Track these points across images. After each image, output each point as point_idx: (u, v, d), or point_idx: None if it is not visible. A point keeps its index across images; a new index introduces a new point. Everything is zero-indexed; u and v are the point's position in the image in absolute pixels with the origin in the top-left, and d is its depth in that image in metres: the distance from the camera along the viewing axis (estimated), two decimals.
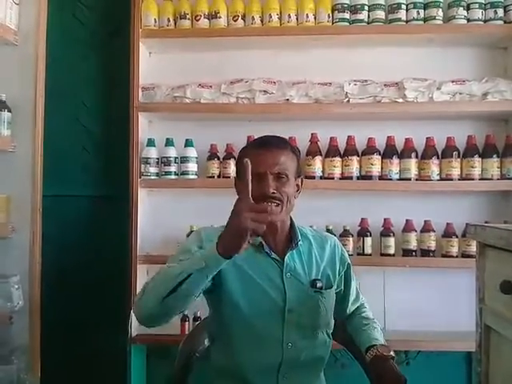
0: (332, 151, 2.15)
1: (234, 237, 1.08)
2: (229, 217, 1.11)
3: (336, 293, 1.45)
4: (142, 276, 2.21)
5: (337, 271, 1.45)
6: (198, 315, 2.10)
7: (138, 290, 2.08)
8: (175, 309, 1.22)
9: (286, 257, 1.37)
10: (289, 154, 1.37)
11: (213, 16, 2.16)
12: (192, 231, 2.16)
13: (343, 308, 1.50)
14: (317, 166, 2.13)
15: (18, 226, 1.97)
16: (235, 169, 1.50)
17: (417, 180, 2.12)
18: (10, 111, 1.93)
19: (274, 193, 1.31)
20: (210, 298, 1.38)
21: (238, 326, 1.32)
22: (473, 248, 2.02)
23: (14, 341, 1.93)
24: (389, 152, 2.13)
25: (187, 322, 2.12)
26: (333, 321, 1.43)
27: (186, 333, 2.07)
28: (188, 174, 2.18)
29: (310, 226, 2.07)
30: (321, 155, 2.16)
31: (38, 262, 1.99)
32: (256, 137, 2.12)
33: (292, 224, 1.43)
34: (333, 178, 2.12)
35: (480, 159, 2.10)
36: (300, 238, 1.41)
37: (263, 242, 1.36)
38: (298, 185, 1.41)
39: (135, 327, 2.11)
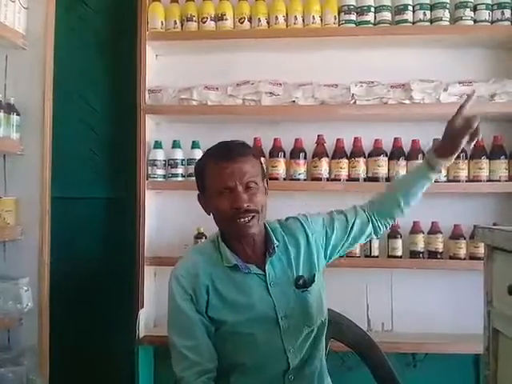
0: (339, 153, 2.15)
1: None
2: None
3: (339, 240, 1.43)
4: (150, 278, 2.22)
5: (319, 246, 1.42)
6: None
7: (146, 291, 2.13)
8: None
9: (267, 266, 1.35)
10: (252, 160, 1.34)
11: (219, 18, 2.16)
12: (200, 233, 2.17)
13: (359, 229, 1.46)
14: (323, 167, 2.13)
15: (26, 228, 1.98)
16: (196, 181, 1.40)
17: None
18: (18, 114, 1.94)
19: (248, 205, 1.29)
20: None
21: (240, 349, 1.32)
22: (480, 250, 2.01)
23: (23, 342, 1.94)
24: (396, 153, 2.13)
25: None
26: (326, 304, 1.42)
27: None
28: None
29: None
30: (327, 157, 2.16)
31: (46, 263, 2.00)
32: (263, 138, 2.18)
33: (267, 230, 1.39)
34: (339, 180, 2.12)
35: (488, 161, 2.09)
36: (275, 241, 1.38)
37: (238, 264, 1.34)
38: (265, 187, 1.38)
39: (142, 328, 2.12)
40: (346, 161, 2.14)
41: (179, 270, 1.38)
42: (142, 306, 2.12)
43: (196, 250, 1.48)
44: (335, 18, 2.13)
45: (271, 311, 1.33)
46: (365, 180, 2.14)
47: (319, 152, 2.15)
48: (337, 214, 1.48)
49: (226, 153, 1.31)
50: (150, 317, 2.23)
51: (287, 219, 1.48)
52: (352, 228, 1.45)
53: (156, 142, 2.22)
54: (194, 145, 2.21)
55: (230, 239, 1.37)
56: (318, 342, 1.40)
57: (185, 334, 1.33)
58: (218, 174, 1.29)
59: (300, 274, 1.38)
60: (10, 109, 1.91)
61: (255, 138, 2.18)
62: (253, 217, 1.30)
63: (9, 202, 1.94)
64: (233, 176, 1.28)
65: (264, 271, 1.35)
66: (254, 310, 1.33)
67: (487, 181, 2.08)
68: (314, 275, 1.40)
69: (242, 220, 1.29)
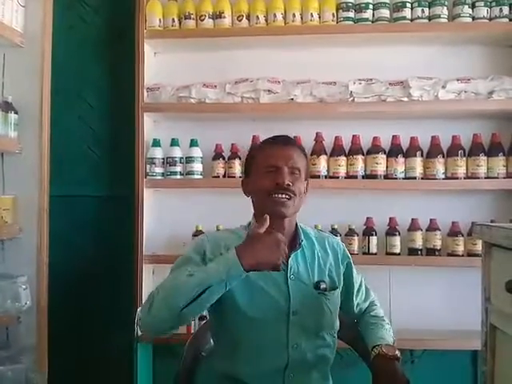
0: (337, 150, 2.15)
1: (272, 254, 1.19)
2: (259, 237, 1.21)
3: (340, 292, 1.45)
4: (148, 275, 2.22)
5: (341, 271, 1.45)
6: (204, 314, 2.10)
7: (144, 289, 2.14)
8: (190, 318, 1.25)
9: (290, 259, 1.36)
10: (300, 153, 1.41)
11: (217, 16, 2.16)
12: (198, 231, 2.17)
13: (349, 306, 1.49)
14: (322, 165, 2.14)
15: (25, 226, 1.98)
16: (243, 168, 1.50)
17: (422, 179, 2.12)
18: (16, 113, 1.94)
19: (288, 184, 1.33)
20: (212, 304, 1.35)
21: (243, 331, 1.32)
22: (478, 247, 2.01)
23: (22, 340, 1.94)
24: (394, 151, 2.13)
25: (193, 321, 2.13)
26: (338, 322, 1.42)
27: (192, 332, 2.08)
28: (193, 174, 2.19)
29: (315, 226, 2.09)
30: (326, 154, 2.16)
31: (45, 262, 2.00)
32: (261, 136, 2.18)
33: (296, 225, 1.43)
34: (338, 177, 2.13)
35: (486, 158, 2.09)
36: (303, 238, 1.41)
37: None
38: (306, 186, 1.43)
39: None
40: (345, 158, 2.14)
41: (206, 235, 1.43)
42: (141, 304, 2.12)
43: (227, 229, 1.50)
44: (333, 16, 2.13)
45: (285, 303, 1.33)
46: (363, 177, 2.14)
47: (317, 149, 2.15)
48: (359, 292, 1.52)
49: (278, 139, 1.42)
50: None
51: (323, 232, 1.57)
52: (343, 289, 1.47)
53: (154, 139, 2.22)
54: (193, 143, 2.21)
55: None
56: (325, 354, 1.38)
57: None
58: (270, 155, 1.37)
59: (322, 279, 1.39)
60: (7, 107, 1.91)
61: (253, 136, 2.18)
62: (290, 197, 1.34)
63: (7, 201, 1.95)
64: (281, 157, 1.36)
65: (287, 263, 1.35)
66: (269, 297, 1.33)
67: (485, 178, 2.08)
68: (335, 288, 1.41)
69: (280, 196, 1.34)
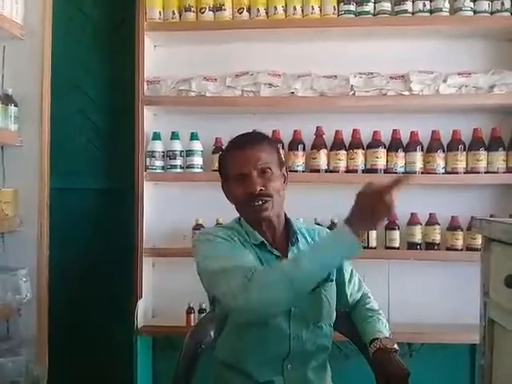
0: (337, 144, 2.15)
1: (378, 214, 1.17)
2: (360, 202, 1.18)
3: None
4: (148, 268, 2.23)
5: None
6: (204, 307, 2.12)
7: (144, 281, 2.14)
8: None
9: (289, 253, 1.37)
10: (267, 148, 1.37)
11: (218, 8, 2.15)
12: (198, 224, 2.17)
13: (342, 296, 1.49)
14: (322, 159, 2.14)
15: (25, 219, 1.98)
16: (220, 174, 1.44)
17: (422, 173, 2.12)
18: (16, 105, 1.93)
19: (261, 190, 1.32)
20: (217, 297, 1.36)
21: (245, 323, 1.32)
22: (478, 241, 2.02)
23: (22, 332, 1.95)
24: (394, 145, 2.13)
25: (192, 314, 2.14)
26: (335, 313, 1.44)
27: (192, 324, 2.09)
28: (193, 168, 2.19)
29: (314, 220, 2.09)
30: (326, 148, 2.16)
31: (45, 254, 2.01)
32: (260, 129, 2.17)
33: (287, 219, 1.43)
34: (338, 172, 2.13)
35: (486, 152, 2.09)
36: (296, 230, 1.41)
37: (264, 241, 1.36)
38: (283, 175, 1.40)
39: (141, 319, 2.13)
40: (345, 152, 2.14)
41: (210, 230, 1.46)
42: (141, 297, 2.13)
43: (222, 226, 1.51)
44: (334, 9, 2.12)
45: None
46: (363, 172, 2.14)
47: (318, 144, 2.15)
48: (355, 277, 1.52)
49: (241, 141, 1.38)
50: (148, 307, 2.24)
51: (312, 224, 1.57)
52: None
53: (154, 133, 2.22)
54: (193, 136, 2.21)
55: (251, 225, 1.39)
56: (323, 344, 1.40)
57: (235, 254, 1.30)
58: (235, 162, 1.35)
59: None
60: (7, 100, 1.91)
61: (254, 130, 2.17)
62: (266, 201, 1.33)
63: (7, 194, 1.95)
64: (247, 162, 1.33)
65: (286, 257, 1.36)
66: None
67: (485, 172, 2.09)
68: (331, 280, 1.41)
69: (256, 204, 1.33)
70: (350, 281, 1.50)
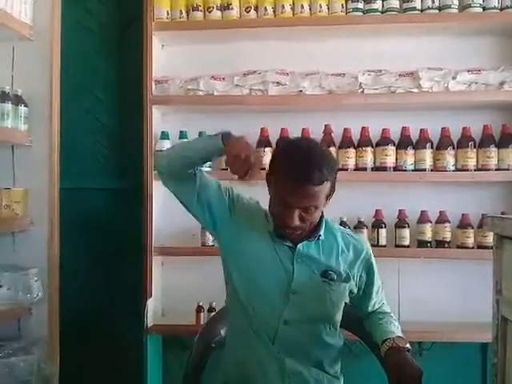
0: (346, 142, 2.14)
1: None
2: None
3: (355, 295, 1.47)
4: (157, 267, 2.24)
5: (357, 271, 1.45)
6: (213, 306, 2.12)
7: (154, 280, 2.15)
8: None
9: (300, 244, 1.39)
10: (325, 187, 1.31)
11: (225, 7, 2.15)
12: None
13: (365, 305, 1.50)
14: None
15: (35, 218, 2.00)
16: (269, 166, 1.42)
17: (432, 171, 2.11)
18: (26, 106, 1.95)
19: (296, 225, 1.33)
20: (227, 258, 1.44)
21: (247, 288, 1.39)
22: (488, 239, 2.01)
23: (33, 332, 1.97)
24: (403, 143, 2.12)
25: (202, 313, 2.14)
26: (339, 317, 1.44)
27: (201, 323, 2.09)
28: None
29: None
30: (334, 146, 2.15)
31: (55, 253, 2.02)
32: (270, 129, 2.18)
33: (320, 220, 1.42)
34: (347, 170, 2.12)
35: (496, 149, 2.08)
36: (322, 233, 1.42)
37: (274, 232, 1.40)
38: (328, 197, 1.37)
39: (151, 317, 2.14)
40: (354, 150, 2.13)
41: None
42: (150, 296, 2.14)
43: (258, 203, 1.54)
44: (342, 7, 2.11)
45: (287, 282, 1.37)
46: (372, 170, 2.13)
47: (326, 141, 2.14)
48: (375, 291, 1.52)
49: (302, 175, 1.29)
50: (158, 306, 2.25)
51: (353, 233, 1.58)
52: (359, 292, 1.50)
53: (163, 132, 2.22)
54: (201, 135, 2.21)
55: None
56: (315, 343, 1.41)
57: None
58: (284, 188, 1.31)
59: (333, 270, 1.40)
60: (17, 100, 1.92)
61: (262, 128, 2.18)
62: (297, 231, 1.36)
63: (18, 193, 1.96)
64: (296, 199, 1.30)
65: (295, 248, 1.39)
66: (274, 268, 1.38)
67: (496, 170, 2.07)
68: (344, 282, 1.42)
69: (287, 233, 1.38)
70: (376, 293, 1.51)
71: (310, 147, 1.35)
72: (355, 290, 1.46)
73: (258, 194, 1.48)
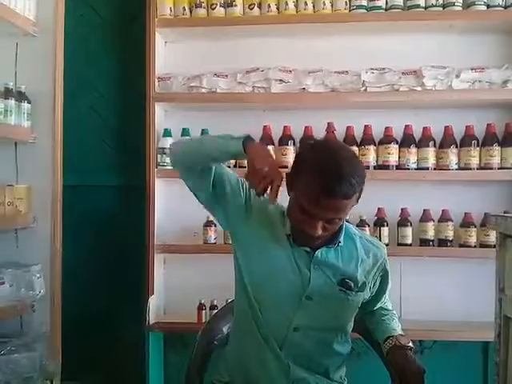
0: (348, 140, 2.13)
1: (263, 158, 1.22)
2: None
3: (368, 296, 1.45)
4: (160, 265, 2.24)
5: (373, 279, 1.43)
6: (215, 304, 2.12)
7: (156, 278, 2.15)
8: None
9: (318, 251, 1.34)
10: (352, 200, 1.22)
11: (228, 4, 2.15)
12: (209, 221, 2.17)
13: (371, 305, 1.48)
14: None
15: (39, 215, 2.00)
16: (292, 168, 1.31)
17: (435, 169, 2.10)
18: (29, 102, 1.95)
19: (319, 235, 1.26)
20: (240, 257, 1.38)
21: (258, 287, 1.34)
22: (491, 238, 2.00)
23: (35, 328, 1.97)
24: (406, 141, 2.11)
25: (204, 311, 2.15)
26: (351, 325, 1.42)
27: (203, 321, 2.09)
28: None
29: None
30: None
31: (58, 250, 2.02)
32: (273, 126, 2.17)
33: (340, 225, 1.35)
34: None
35: (499, 148, 2.07)
36: (342, 239, 1.36)
37: (291, 236, 1.34)
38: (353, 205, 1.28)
39: (152, 315, 2.14)
40: (356, 148, 2.12)
41: None
42: (152, 293, 2.14)
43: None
44: (346, 4, 2.10)
45: (301, 287, 1.33)
46: (375, 168, 2.13)
47: None
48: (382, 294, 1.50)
49: (331, 188, 1.17)
50: (159, 304, 2.25)
51: (373, 238, 1.52)
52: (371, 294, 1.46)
53: (165, 129, 2.22)
54: (204, 133, 2.20)
55: None
56: (324, 352, 1.39)
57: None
58: (310, 198, 1.20)
59: (351, 279, 1.36)
60: (20, 97, 1.92)
61: (265, 126, 2.17)
62: (318, 240, 1.30)
63: (21, 190, 1.96)
64: (322, 211, 1.21)
65: (314, 253, 1.33)
66: (289, 272, 1.33)
67: (499, 168, 2.06)
68: (361, 291, 1.38)
69: (307, 240, 1.31)
70: (384, 296, 1.49)
71: (341, 155, 1.22)
72: (367, 296, 1.42)
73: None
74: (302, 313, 1.33)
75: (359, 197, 1.26)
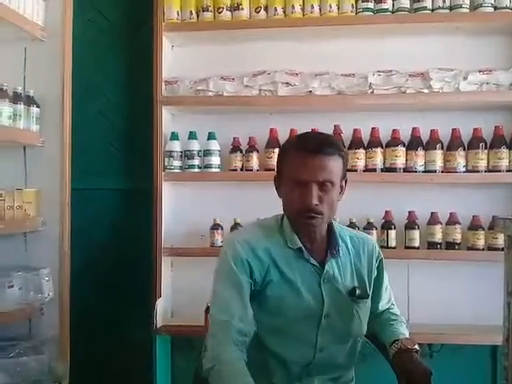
0: (355, 143, 2.13)
1: None
2: None
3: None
4: (167, 268, 2.25)
5: (373, 276, 1.43)
6: None
7: (163, 281, 2.15)
8: None
9: (326, 264, 1.33)
10: (336, 159, 1.27)
11: (235, 8, 2.15)
12: (216, 224, 2.18)
13: (375, 305, 1.48)
14: None
15: (47, 219, 2.01)
16: (276, 165, 1.37)
17: (442, 172, 2.10)
18: (38, 106, 1.96)
19: (316, 205, 1.26)
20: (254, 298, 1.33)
21: (273, 328, 1.32)
22: (499, 241, 1.99)
23: (44, 331, 1.98)
24: (414, 143, 2.11)
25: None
26: (365, 329, 1.42)
27: None
28: (211, 167, 2.19)
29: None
30: (344, 147, 2.14)
31: (67, 254, 2.04)
32: (279, 129, 2.18)
33: (332, 228, 1.38)
34: (356, 171, 2.11)
35: (507, 150, 2.06)
36: (340, 242, 1.37)
37: (303, 248, 1.33)
38: (342, 186, 1.34)
39: (160, 318, 2.15)
40: (363, 151, 2.12)
41: (237, 236, 1.39)
42: (160, 296, 2.14)
43: (258, 223, 1.45)
44: (352, 7, 2.10)
45: (318, 306, 1.32)
46: (382, 170, 2.12)
47: None
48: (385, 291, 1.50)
49: (313, 145, 1.26)
50: (167, 307, 2.26)
51: (359, 233, 1.52)
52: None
53: (172, 133, 2.23)
54: (211, 136, 2.21)
55: (293, 226, 1.35)
56: (348, 359, 1.40)
57: (233, 291, 1.29)
58: (297, 165, 1.25)
59: (357, 285, 1.37)
60: (29, 101, 1.94)
61: (271, 129, 2.18)
62: (317, 218, 1.28)
63: (29, 194, 1.98)
64: (311, 172, 1.25)
65: (323, 267, 1.33)
66: (304, 298, 1.32)
67: (507, 171, 2.05)
68: (368, 296, 1.40)
69: (308, 220, 1.29)
70: (385, 291, 1.49)
71: (316, 132, 1.41)
72: (370, 293, 1.43)
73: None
74: (323, 332, 1.33)
75: (345, 166, 1.32)
